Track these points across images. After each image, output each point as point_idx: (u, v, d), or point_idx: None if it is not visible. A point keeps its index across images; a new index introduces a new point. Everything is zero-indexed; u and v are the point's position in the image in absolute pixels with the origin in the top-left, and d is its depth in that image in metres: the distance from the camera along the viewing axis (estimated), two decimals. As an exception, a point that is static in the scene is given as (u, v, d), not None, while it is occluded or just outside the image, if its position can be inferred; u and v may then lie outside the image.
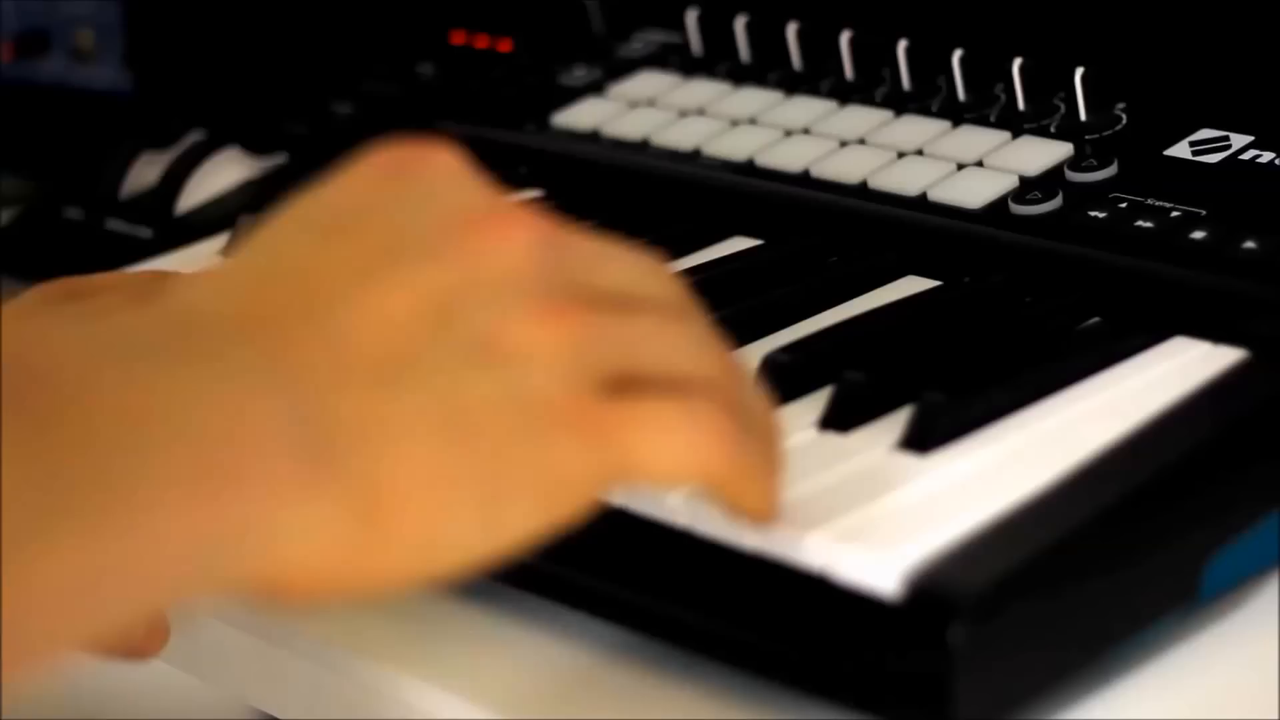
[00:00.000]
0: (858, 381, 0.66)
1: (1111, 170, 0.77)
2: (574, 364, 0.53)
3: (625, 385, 0.54)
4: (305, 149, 0.98)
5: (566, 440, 0.53)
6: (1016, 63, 0.82)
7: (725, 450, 0.55)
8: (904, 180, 0.80)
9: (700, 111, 0.90)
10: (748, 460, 0.56)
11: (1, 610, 0.45)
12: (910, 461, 0.63)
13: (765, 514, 0.57)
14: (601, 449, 0.53)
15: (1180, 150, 0.77)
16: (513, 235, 0.53)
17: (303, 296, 0.52)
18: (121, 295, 0.71)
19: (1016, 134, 0.81)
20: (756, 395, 0.58)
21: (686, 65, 0.94)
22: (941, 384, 0.65)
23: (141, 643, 0.69)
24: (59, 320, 0.50)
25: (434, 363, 0.52)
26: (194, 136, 0.97)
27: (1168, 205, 0.74)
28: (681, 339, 0.56)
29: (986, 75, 0.84)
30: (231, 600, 0.66)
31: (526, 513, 0.53)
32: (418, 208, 0.54)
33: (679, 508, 0.62)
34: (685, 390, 0.55)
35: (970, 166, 0.80)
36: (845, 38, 0.88)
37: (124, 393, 0.48)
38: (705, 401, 0.55)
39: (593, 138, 0.91)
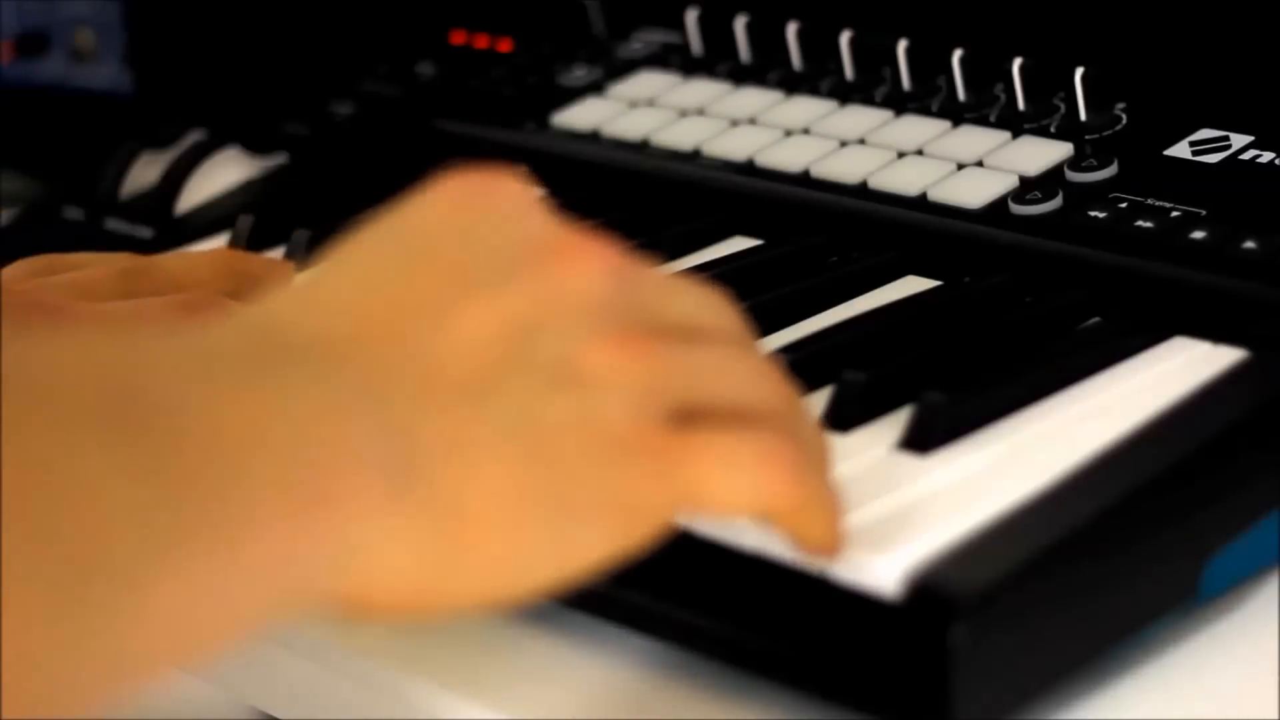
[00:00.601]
0: (858, 381, 0.66)
1: (1111, 170, 0.77)
2: (645, 392, 0.54)
3: (692, 416, 0.55)
4: (305, 149, 0.98)
5: (638, 467, 0.53)
6: (1016, 63, 0.82)
7: (789, 483, 0.55)
8: (904, 180, 0.80)
9: (700, 111, 0.90)
10: (810, 492, 0.56)
11: (107, 635, 0.45)
12: (910, 461, 0.63)
13: (831, 547, 0.58)
14: (671, 478, 0.54)
15: (1180, 150, 0.77)
16: (587, 264, 0.54)
17: (388, 318, 0.52)
18: (103, 271, 0.74)
19: (1016, 134, 0.81)
20: (814, 427, 0.59)
21: (686, 65, 0.94)
22: (941, 384, 0.65)
23: None
24: (145, 333, 0.50)
25: (516, 382, 0.52)
26: (194, 136, 0.98)
27: (1168, 205, 0.74)
28: (744, 370, 0.57)
29: (986, 75, 0.84)
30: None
31: (598, 536, 0.53)
32: (494, 235, 0.55)
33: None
34: (750, 422, 0.55)
35: (970, 166, 0.80)
36: (845, 38, 0.88)
37: (216, 412, 0.48)
38: (770, 434, 0.55)
39: (593, 138, 0.91)
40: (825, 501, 0.57)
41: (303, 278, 0.56)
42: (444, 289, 0.53)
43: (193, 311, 0.73)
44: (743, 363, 0.57)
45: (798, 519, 0.57)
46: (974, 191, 0.78)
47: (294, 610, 0.50)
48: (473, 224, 0.55)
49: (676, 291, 0.57)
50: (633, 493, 0.53)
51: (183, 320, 0.72)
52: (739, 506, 0.56)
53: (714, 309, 0.58)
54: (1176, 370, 0.67)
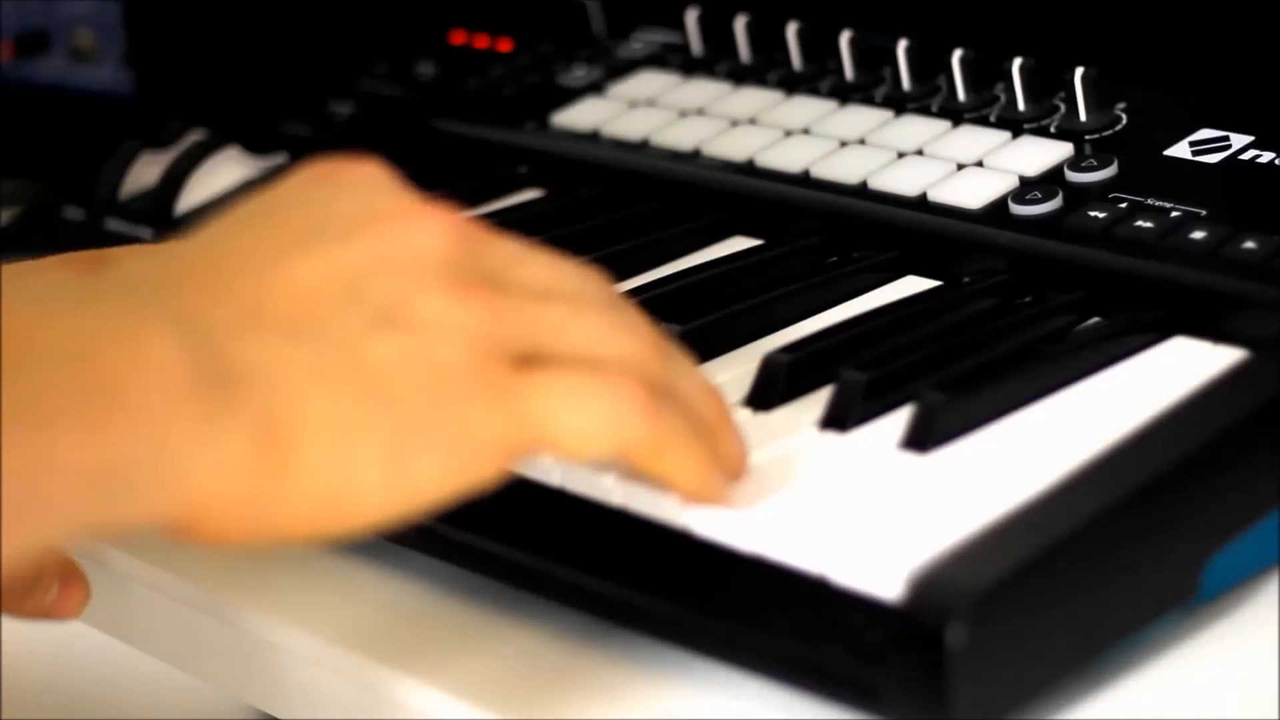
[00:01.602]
0: (858, 381, 0.66)
1: (1111, 170, 0.77)
2: (482, 335, 0.55)
3: (536, 361, 0.56)
4: (305, 149, 0.98)
5: (474, 401, 0.55)
6: (1016, 63, 0.82)
7: (640, 420, 0.56)
8: (904, 180, 0.80)
9: (700, 111, 0.90)
10: (670, 434, 0.57)
11: None
12: (910, 461, 0.63)
13: (696, 490, 0.59)
14: (510, 413, 0.55)
15: (1180, 150, 0.77)
16: (428, 229, 0.57)
17: (221, 263, 0.56)
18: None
19: (1016, 134, 0.81)
20: (693, 383, 0.59)
21: (686, 65, 0.94)
22: (941, 384, 0.65)
23: (56, 604, 0.70)
24: (14, 271, 0.54)
25: (340, 324, 0.55)
26: (194, 136, 0.97)
27: (1168, 205, 0.74)
28: (599, 325, 0.58)
29: (986, 75, 0.84)
30: (225, 592, 0.67)
31: (433, 470, 0.55)
32: (341, 203, 0.58)
33: (677, 507, 0.62)
34: (599, 368, 0.56)
35: (970, 166, 0.80)
36: (845, 38, 0.88)
37: (28, 328, 0.51)
38: (619, 376, 0.56)
39: (593, 138, 0.91)
40: (686, 443, 0.58)
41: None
42: (281, 243, 0.56)
43: None
44: (599, 318, 0.58)
45: (660, 460, 0.57)
46: (974, 191, 0.78)
47: (117, 520, 0.52)
48: (321, 194, 0.58)
49: (529, 259, 0.59)
50: (467, 425, 0.55)
51: None
52: (581, 443, 0.56)
53: (573, 275, 0.59)
54: (1176, 370, 0.67)
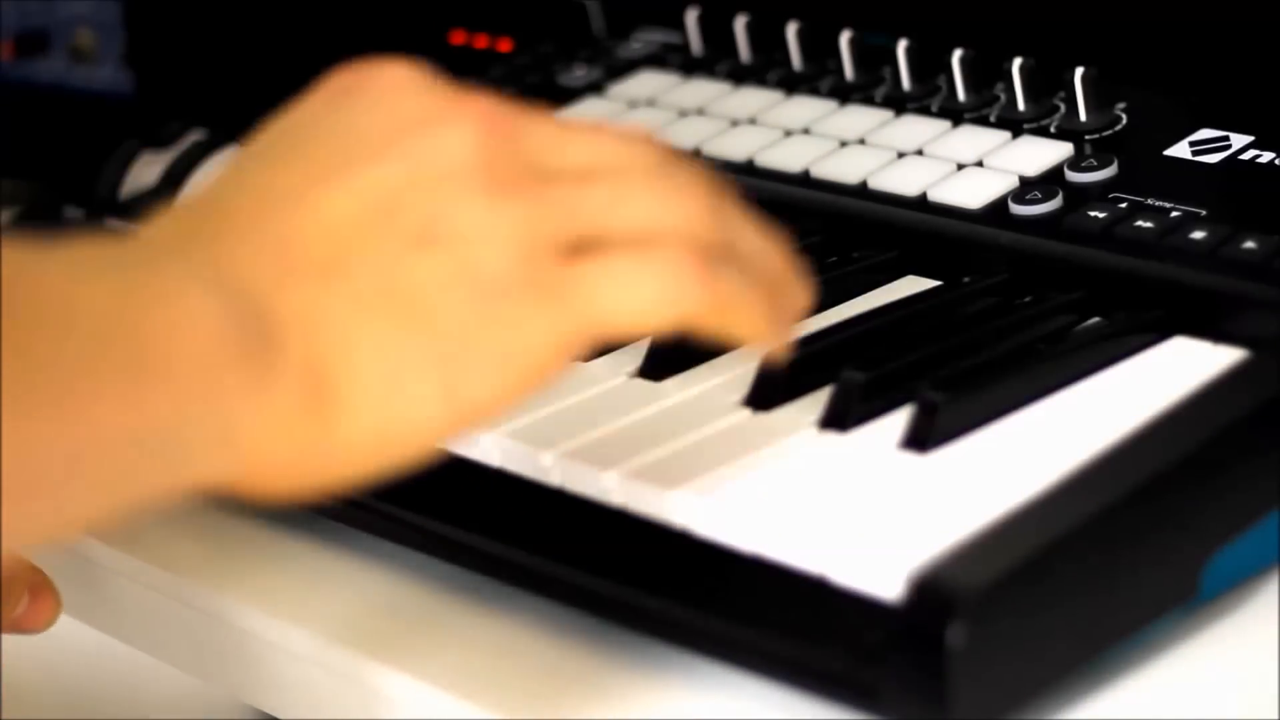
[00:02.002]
0: (858, 381, 0.66)
1: (1111, 170, 0.77)
2: (525, 234, 0.54)
3: (584, 248, 0.54)
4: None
5: (522, 304, 0.53)
6: (1016, 63, 0.82)
7: (693, 289, 0.55)
8: (904, 180, 0.80)
9: (700, 111, 0.90)
10: (730, 293, 0.55)
11: None
12: (910, 461, 0.63)
13: (762, 336, 0.57)
14: (561, 307, 0.54)
15: (1180, 150, 0.77)
16: (459, 128, 0.55)
17: (248, 209, 0.54)
18: None
19: (1016, 134, 0.81)
20: (751, 236, 0.58)
21: (686, 65, 0.94)
22: (941, 384, 0.65)
23: (25, 616, 0.70)
24: (10, 242, 0.52)
25: (377, 252, 0.53)
26: (194, 136, 0.97)
27: (1168, 205, 0.74)
28: (650, 195, 0.56)
29: (986, 75, 0.84)
30: (225, 592, 0.66)
31: (490, 382, 0.53)
32: (366, 117, 0.55)
33: (676, 507, 0.62)
34: (649, 243, 0.55)
35: (970, 166, 0.80)
36: (845, 38, 0.88)
37: (64, 294, 0.50)
38: (668, 247, 0.55)
39: (593, 138, 0.91)
40: (752, 302, 0.56)
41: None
42: (308, 173, 0.54)
43: None
44: (651, 188, 0.56)
45: (720, 320, 0.56)
46: (974, 191, 0.78)
47: (168, 485, 0.51)
48: (346, 108, 0.56)
49: (569, 138, 0.57)
50: (519, 330, 0.53)
51: None
52: (638, 320, 0.55)
53: (616, 147, 0.57)
54: (1176, 370, 0.67)
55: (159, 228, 0.54)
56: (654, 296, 0.54)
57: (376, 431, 0.53)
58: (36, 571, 0.71)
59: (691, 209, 0.56)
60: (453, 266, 0.53)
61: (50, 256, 0.51)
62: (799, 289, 0.59)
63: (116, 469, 0.50)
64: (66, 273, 0.50)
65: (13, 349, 0.48)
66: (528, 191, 0.54)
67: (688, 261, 0.55)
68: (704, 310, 0.55)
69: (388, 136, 0.54)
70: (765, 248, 0.58)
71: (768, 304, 0.57)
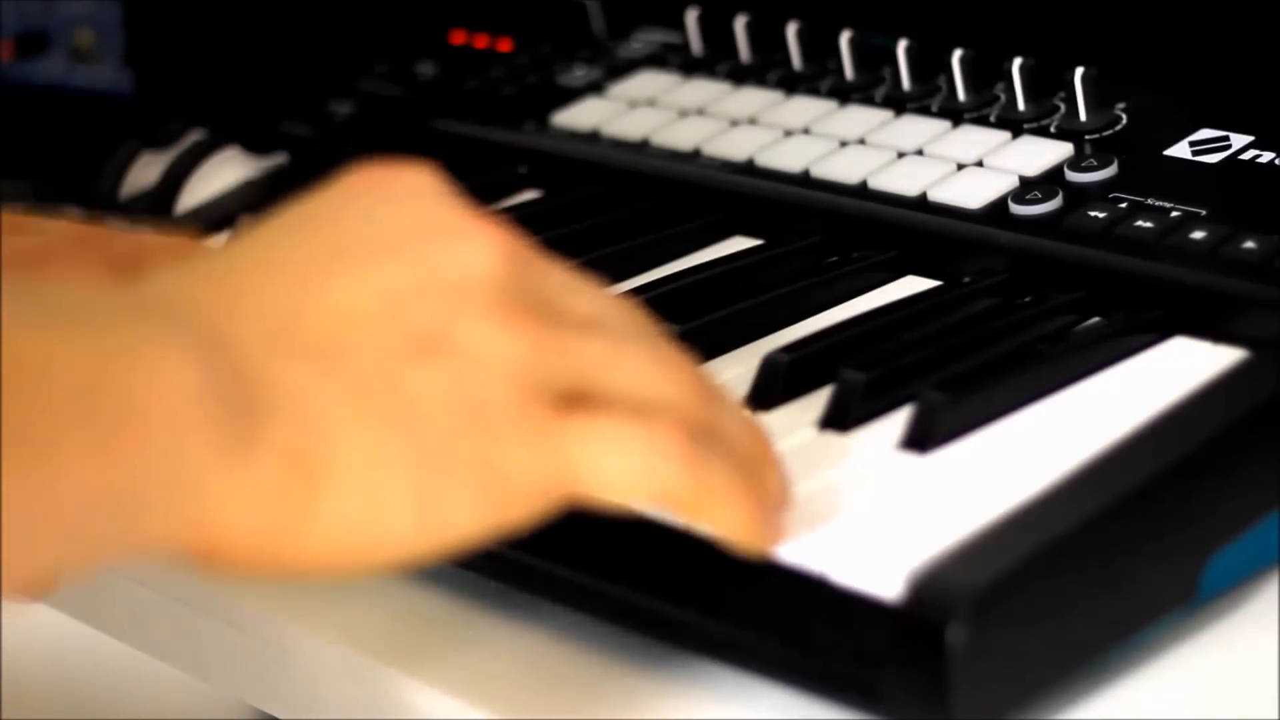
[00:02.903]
0: (858, 381, 0.66)
1: (1111, 170, 0.77)
2: (526, 371, 0.53)
3: (579, 402, 0.54)
4: (305, 149, 0.98)
5: (512, 440, 0.53)
6: (1016, 63, 0.82)
7: (680, 471, 0.54)
8: (904, 180, 0.80)
9: (700, 111, 0.90)
10: (714, 483, 0.55)
11: None
12: (910, 461, 0.63)
13: (745, 538, 0.57)
14: (548, 456, 0.53)
15: (1180, 150, 0.77)
16: (478, 246, 0.54)
17: (255, 283, 0.53)
18: (56, 240, 0.72)
19: (1016, 134, 0.81)
20: (734, 420, 0.58)
21: (686, 65, 0.94)
22: (941, 384, 0.65)
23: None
24: (16, 278, 0.52)
25: (378, 351, 0.52)
26: (194, 136, 0.97)
27: (1168, 205, 0.74)
28: (643, 364, 0.56)
29: (986, 75, 0.84)
30: (225, 592, 0.67)
31: (465, 509, 0.53)
32: (388, 214, 0.55)
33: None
34: (642, 412, 0.55)
35: (970, 166, 0.80)
36: (845, 38, 0.88)
37: (45, 353, 0.49)
38: (661, 424, 0.54)
39: (593, 138, 0.91)
40: (732, 493, 0.56)
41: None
42: (321, 259, 0.53)
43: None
44: (645, 356, 0.56)
45: (701, 511, 0.56)
46: (974, 191, 0.78)
47: (133, 547, 0.50)
48: (367, 203, 0.55)
49: (578, 288, 0.56)
50: (504, 465, 0.53)
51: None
52: (621, 491, 0.54)
53: (621, 309, 0.57)
54: (1176, 370, 0.67)
55: (158, 284, 0.53)
56: (640, 468, 0.54)
57: (347, 528, 0.52)
58: None
59: (683, 383, 0.56)
60: (451, 382, 0.52)
61: (35, 302, 0.50)
62: (780, 475, 0.59)
63: (85, 527, 0.49)
64: (49, 324, 0.49)
65: None
66: (534, 326, 0.54)
67: (677, 441, 0.54)
68: (686, 496, 0.55)
69: (405, 238, 0.54)
70: (749, 431, 0.58)
71: (751, 494, 0.57)
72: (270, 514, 0.51)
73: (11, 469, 0.47)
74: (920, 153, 0.82)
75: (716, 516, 0.56)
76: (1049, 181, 0.78)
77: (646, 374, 0.56)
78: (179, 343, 0.50)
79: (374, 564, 0.53)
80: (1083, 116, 0.81)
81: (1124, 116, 0.80)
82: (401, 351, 0.52)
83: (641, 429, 0.54)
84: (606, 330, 0.56)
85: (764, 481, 0.58)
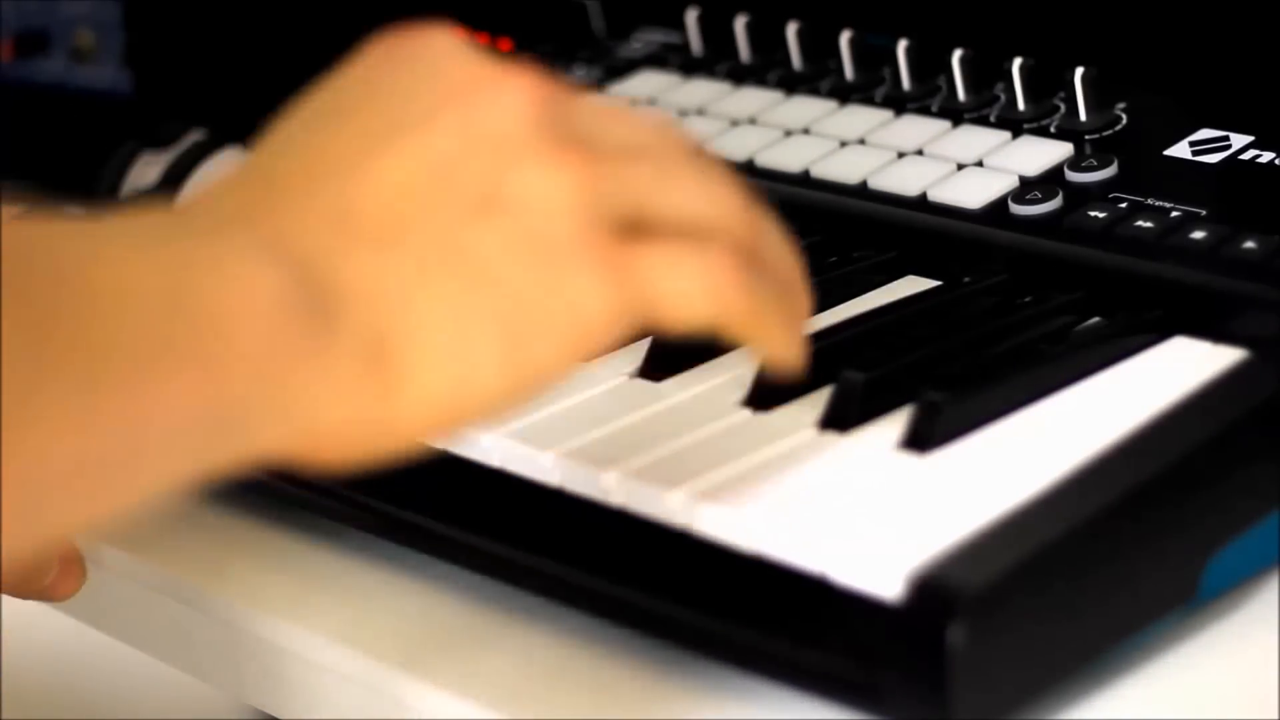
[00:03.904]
0: (858, 381, 0.66)
1: (1111, 170, 0.77)
2: (583, 206, 0.54)
3: (637, 229, 0.55)
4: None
5: (583, 275, 0.54)
6: (1016, 63, 0.82)
7: (735, 294, 0.56)
8: (904, 180, 0.80)
9: (700, 111, 0.90)
10: (762, 304, 0.57)
11: (6, 491, 0.46)
12: (910, 461, 0.63)
13: (786, 357, 0.59)
14: (618, 284, 0.54)
15: (1180, 150, 0.77)
16: (512, 94, 0.55)
17: (303, 177, 0.54)
18: None
19: (1016, 134, 0.81)
20: (774, 241, 0.59)
21: (686, 65, 0.94)
22: (941, 384, 0.65)
23: (53, 585, 0.70)
24: (60, 218, 0.52)
25: (435, 219, 0.53)
26: (194, 136, 0.97)
27: (1168, 205, 0.74)
28: (692, 184, 0.57)
29: (986, 75, 0.84)
30: (225, 592, 0.66)
31: (550, 348, 0.54)
32: (416, 82, 0.55)
33: (676, 507, 0.62)
34: (698, 234, 0.56)
35: (970, 166, 0.80)
36: (845, 38, 0.88)
37: (120, 273, 0.49)
38: (716, 248, 0.56)
39: (593, 138, 0.91)
40: (775, 315, 0.57)
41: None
42: (362, 140, 0.54)
43: None
44: (690, 175, 0.57)
45: (750, 329, 0.57)
46: (974, 191, 0.78)
47: (232, 459, 0.51)
48: (394, 74, 0.56)
49: (617, 116, 0.57)
50: (578, 301, 0.54)
51: None
52: (687, 312, 0.56)
53: (660, 131, 0.58)
54: (1176, 370, 0.67)
55: (210, 198, 0.54)
56: (702, 291, 0.56)
57: (439, 396, 0.53)
58: (68, 542, 0.71)
59: (730, 203, 0.58)
60: (513, 231, 0.53)
61: (101, 233, 0.51)
62: (806, 295, 0.60)
63: (183, 446, 0.50)
64: (118, 250, 0.50)
65: (72, 332, 0.48)
66: (581, 160, 0.54)
67: (731, 265, 0.56)
68: (739, 315, 0.57)
69: (440, 102, 0.54)
70: (785, 253, 0.60)
71: (790, 317, 0.59)
72: (362, 406, 0.52)
73: (110, 394, 0.48)
74: (920, 153, 0.82)
75: (763, 335, 0.58)
76: (1049, 181, 0.78)
77: (695, 195, 0.57)
78: (246, 255, 0.51)
79: (470, 420, 0.54)
80: (1083, 116, 0.81)
81: (1124, 116, 0.80)
82: (459, 215, 0.53)
83: (699, 254, 0.56)
84: (650, 153, 0.57)
85: (797, 303, 0.59)
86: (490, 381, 0.53)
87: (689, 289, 0.55)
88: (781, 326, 0.58)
